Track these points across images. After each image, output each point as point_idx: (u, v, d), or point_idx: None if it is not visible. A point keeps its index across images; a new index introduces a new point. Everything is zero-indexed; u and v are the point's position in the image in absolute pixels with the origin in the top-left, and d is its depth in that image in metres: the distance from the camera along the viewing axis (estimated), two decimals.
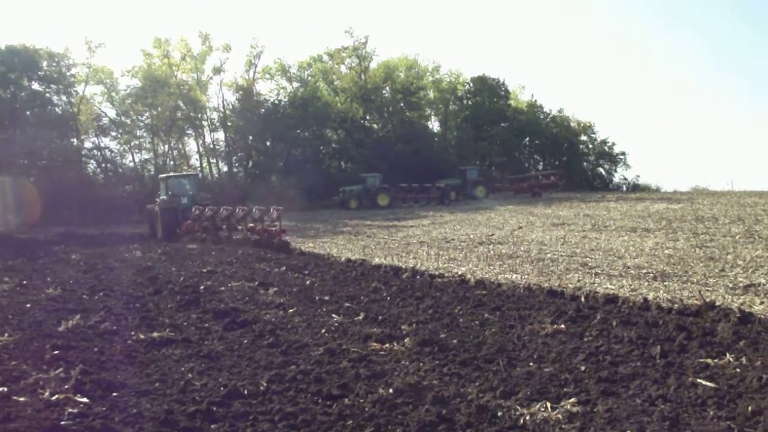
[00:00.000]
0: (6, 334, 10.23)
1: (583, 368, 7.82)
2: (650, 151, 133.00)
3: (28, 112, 58.06)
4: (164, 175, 41.76)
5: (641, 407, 6.52)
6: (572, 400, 6.73)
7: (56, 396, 7.16)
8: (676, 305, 10.84)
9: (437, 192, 55.89)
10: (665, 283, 13.19)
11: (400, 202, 54.86)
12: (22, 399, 7.09)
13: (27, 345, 9.63)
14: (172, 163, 68.58)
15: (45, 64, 59.64)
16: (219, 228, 31.24)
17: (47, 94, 60.65)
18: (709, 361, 7.83)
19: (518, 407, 6.64)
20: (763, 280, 12.92)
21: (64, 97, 62.34)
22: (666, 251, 17.96)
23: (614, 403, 6.63)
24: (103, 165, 65.09)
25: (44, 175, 54.33)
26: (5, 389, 7.41)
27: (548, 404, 6.66)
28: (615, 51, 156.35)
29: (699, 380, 7.11)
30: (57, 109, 61.08)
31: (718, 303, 10.71)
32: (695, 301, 10.87)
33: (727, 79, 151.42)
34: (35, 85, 60.04)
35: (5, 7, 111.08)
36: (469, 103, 77.98)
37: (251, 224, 29.52)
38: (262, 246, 26.11)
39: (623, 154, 77.17)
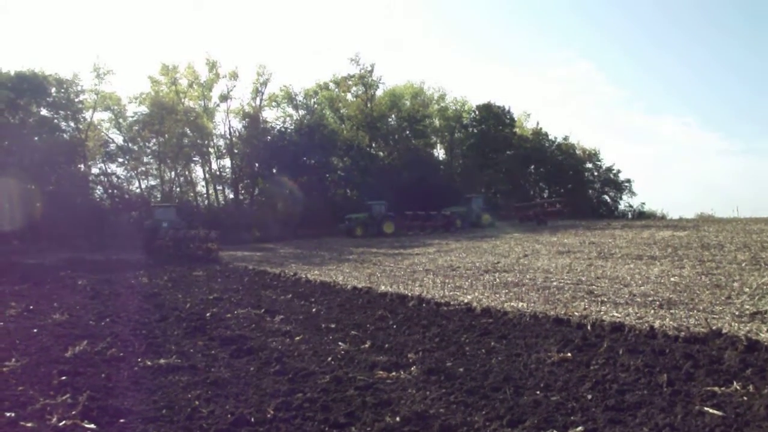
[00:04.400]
0: (13, 360, 10.23)
1: (589, 397, 7.81)
2: (655, 178, 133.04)
3: (36, 138, 58.35)
4: (153, 204, 54.82)
5: None
6: (579, 428, 6.72)
7: (63, 422, 7.16)
8: (683, 333, 10.81)
9: (443, 220, 55.81)
10: (671, 311, 13.15)
11: (406, 229, 54.74)
12: (29, 425, 7.10)
13: (34, 370, 9.63)
14: (178, 189, 68.92)
15: (53, 90, 60.11)
16: (185, 246, 40.96)
17: (55, 120, 61.08)
18: (716, 389, 7.80)
19: None
20: None
21: (72, 123, 62.87)
22: (672, 279, 17.90)
23: (621, 431, 6.62)
24: (110, 191, 65.48)
25: (51, 200, 54.50)
26: (13, 414, 7.42)
27: None
28: (619, 79, 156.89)
29: (706, 408, 7.08)
30: (65, 135, 61.52)
31: (724, 331, 10.67)
32: (701, 329, 10.86)
33: (732, 107, 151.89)
34: (44, 111, 60.57)
35: (15, 33, 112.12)
36: (475, 131, 78.20)
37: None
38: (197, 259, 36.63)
39: (628, 181, 77.35)
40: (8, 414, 7.45)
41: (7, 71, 58.49)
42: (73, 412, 7.45)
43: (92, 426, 7.13)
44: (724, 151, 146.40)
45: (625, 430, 6.65)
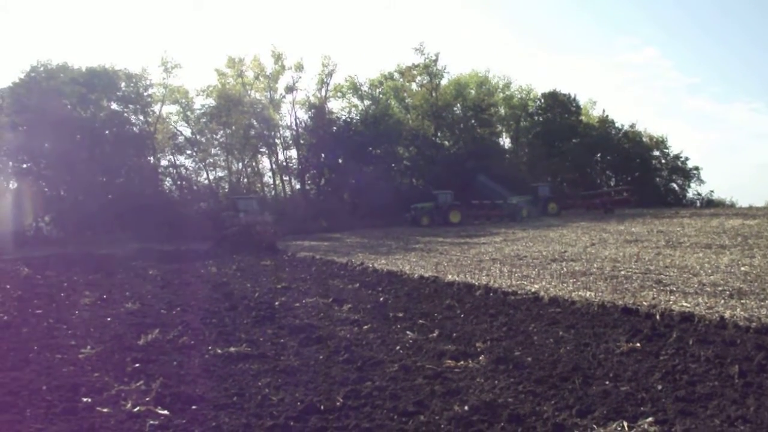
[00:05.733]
0: (89, 347, 10.50)
1: (659, 387, 7.75)
2: (724, 166, 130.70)
3: (106, 132, 59.20)
4: (236, 195, 55.25)
5: (720, 428, 6.44)
6: (649, 419, 6.68)
7: (138, 408, 7.35)
8: (754, 324, 10.66)
9: (509, 209, 55.52)
10: (742, 301, 12.96)
11: (472, 219, 54.52)
12: (105, 410, 7.30)
13: (109, 358, 9.88)
14: (245, 180, 69.45)
15: (123, 84, 60.91)
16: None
17: (125, 114, 61.87)
18: None
19: (594, 426, 6.62)
20: None
21: (141, 117, 63.56)
22: (742, 268, 17.64)
23: (692, 423, 6.56)
24: (179, 182, 66.27)
25: (122, 192, 55.50)
26: (89, 400, 7.62)
27: (625, 423, 6.61)
28: (685, 65, 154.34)
29: None
30: (134, 129, 62.26)
31: None
32: None
33: None
34: (114, 106, 61.32)
35: (86, 31, 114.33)
36: (540, 119, 77.58)
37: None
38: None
39: (697, 169, 75.82)
40: (85, 399, 7.66)
41: (78, 67, 59.59)
42: (147, 399, 7.63)
43: (165, 412, 7.29)
44: None
45: (696, 422, 6.59)
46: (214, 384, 8.57)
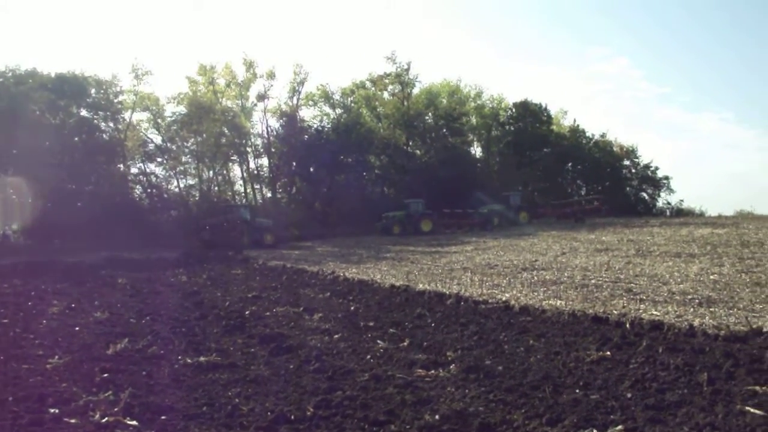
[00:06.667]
0: (56, 357, 10.38)
1: (629, 395, 7.79)
2: (694, 175, 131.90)
3: (76, 138, 58.87)
4: (231, 203, 60.87)
5: None
6: (619, 427, 6.70)
7: (106, 419, 7.26)
8: (723, 332, 10.74)
9: (480, 218, 55.72)
10: (711, 309, 13.07)
11: (443, 227, 54.66)
12: (73, 421, 7.21)
13: (77, 368, 9.77)
14: (216, 188, 69.31)
15: (93, 91, 60.61)
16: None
17: (95, 121, 61.54)
18: (757, 388, 7.74)
19: None
20: None
21: (111, 124, 63.35)
22: (711, 277, 17.79)
23: (661, 430, 6.59)
24: (149, 190, 65.98)
25: (91, 199, 55.12)
26: (57, 411, 7.53)
27: (595, 431, 6.64)
28: (656, 76, 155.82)
29: (747, 408, 7.04)
30: (104, 136, 61.99)
31: (765, 329, 10.59)
32: (742, 328, 10.78)
33: None
34: (83, 112, 60.99)
35: (55, 36, 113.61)
36: (512, 128, 77.81)
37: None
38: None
39: (666, 178, 76.56)
40: (52, 410, 7.56)
41: (47, 73, 59.14)
42: (116, 409, 7.54)
43: (134, 423, 7.22)
44: (763, 148, 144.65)
45: (665, 429, 6.63)
46: (184, 394, 8.50)
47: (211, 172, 70.22)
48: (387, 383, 8.77)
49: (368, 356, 10.55)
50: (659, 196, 77.18)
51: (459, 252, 32.22)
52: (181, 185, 68.82)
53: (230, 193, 70.92)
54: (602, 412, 7.23)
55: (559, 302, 15.06)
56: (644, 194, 78.15)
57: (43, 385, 8.71)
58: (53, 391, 8.38)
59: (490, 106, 79.91)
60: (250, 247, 44.78)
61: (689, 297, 14.72)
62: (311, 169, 68.55)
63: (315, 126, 72.11)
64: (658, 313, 12.93)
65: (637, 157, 78.57)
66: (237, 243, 44.96)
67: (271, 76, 69.69)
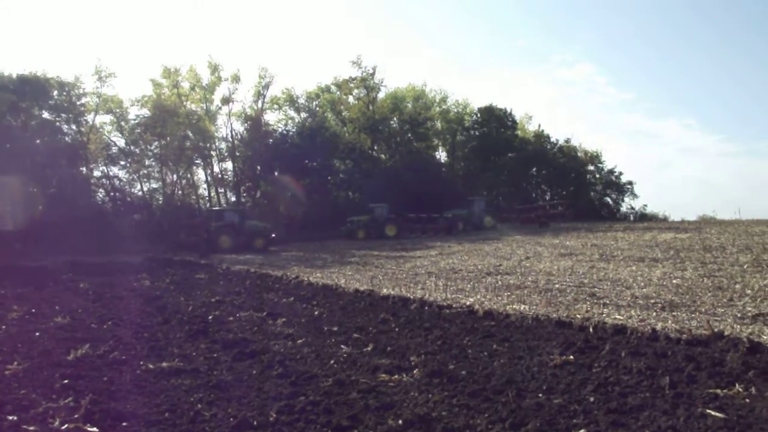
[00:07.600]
0: (15, 363, 10.25)
1: (592, 399, 7.81)
2: (657, 180, 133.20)
3: (38, 141, 58.39)
4: (220, 208, 62.12)
5: None
6: (582, 431, 6.73)
7: (66, 425, 7.18)
8: (685, 335, 10.80)
9: (445, 222, 55.86)
10: (674, 314, 13.14)
11: (408, 232, 54.75)
12: (32, 428, 7.12)
13: (36, 374, 9.65)
14: (180, 192, 68.96)
15: (55, 93, 60.24)
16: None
17: (57, 123, 61.19)
18: (718, 391, 7.80)
19: None
20: None
21: (74, 126, 62.93)
22: (674, 281, 17.89)
23: None
24: (112, 194, 65.52)
25: (53, 203, 54.59)
26: (15, 418, 7.43)
27: None
28: (620, 82, 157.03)
29: (708, 411, 7.09)
30: (67, 138, 61.58)
31: (726, 333, 10.66)
32: (704, 332, 10.85)
33: (733, 109, 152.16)
34: (45, 114, 60.64)
35: (16, 36, 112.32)
36: (477, 133, 78.26)
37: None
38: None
39: (630, 183, 77.22)
40: (10, 417, 7.46)
41: (9, 74, 58.62)
42: (76, 416, 7.47)
43: (95, 429, 7.14)
44: (726, 153, 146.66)
45: None
46: (146, 400, 8.42)
47: (175, 176, 69.93)
48: (350, 388, 8.73)
49: (332, 361, 10.51)
50: (623, 201, 77.97)
51: (423, 256, 32.23)
52: (145, 189, 68.51)
53: (194, 197, 70.68)
54: (565, 417, 7.24)
55: (522, 307, 15.08)
56: (608, 199, 78.81)
57: (1, 392, 8.59)
58: (12, 398, 8.26)
59: (455, 111, 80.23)
60: (238, 251, 44.98)
61: (652, 301, 14.79)
62: (275, 173, 68.44)
63: (280, 130, 72.33)
64: (621, 318, 12.98)
65: (601, 162, 79.24)
66: (212, 247, 44.98)
67: (236, 79, 69.62)
